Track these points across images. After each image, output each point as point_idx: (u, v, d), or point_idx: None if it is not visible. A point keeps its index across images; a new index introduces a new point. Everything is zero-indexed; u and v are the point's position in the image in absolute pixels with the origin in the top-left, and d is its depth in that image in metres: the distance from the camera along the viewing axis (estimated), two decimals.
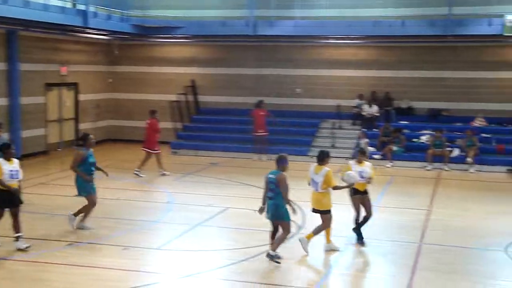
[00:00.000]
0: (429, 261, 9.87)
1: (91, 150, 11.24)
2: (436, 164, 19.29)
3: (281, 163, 9.67)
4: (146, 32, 22.23)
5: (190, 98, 23.97)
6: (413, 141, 20.72)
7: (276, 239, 9.60)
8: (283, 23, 21.24)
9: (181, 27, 21.84)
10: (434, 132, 19.90)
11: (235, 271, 9.25)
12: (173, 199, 13.97)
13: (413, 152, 20.16)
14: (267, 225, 10.80)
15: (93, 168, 11.19)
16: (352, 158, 10.88)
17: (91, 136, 11.36)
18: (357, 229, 10.72)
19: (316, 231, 10.17)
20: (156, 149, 17.43)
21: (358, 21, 20.70)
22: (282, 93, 23.17)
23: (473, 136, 19.49)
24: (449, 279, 9.04)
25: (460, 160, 19.25)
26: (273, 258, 9.41)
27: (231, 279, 9.01)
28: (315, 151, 20.59)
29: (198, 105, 24.09)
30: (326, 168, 9.93)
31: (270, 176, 9.59)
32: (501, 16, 19.13)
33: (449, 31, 19.52)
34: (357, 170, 10.46)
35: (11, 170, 9.72)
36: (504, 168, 18.95)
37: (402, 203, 14.06)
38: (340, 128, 21.86)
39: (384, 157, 19.77)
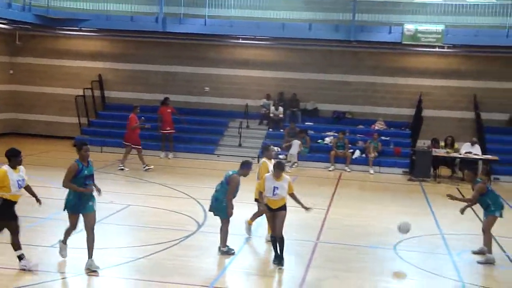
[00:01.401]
0: (323, 259, 10.23)
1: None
2: (338, 165, 19.96)
3: (242, 168, 10.04)
4: (51, 24, 21.52)
5: (97, 93, 23.46)
6: (318, 142, 21.32)
7: (221, 236, 10.01)
8: (193, 21, 21.25)
9: (87, 20, 21.33)
10: (337, 134, 20.57)
11: (133, 269, 9.19)
12: None
13: (318, 153, 20.75)
14: (167, 223, 10.84)
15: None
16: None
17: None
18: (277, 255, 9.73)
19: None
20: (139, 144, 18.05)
21: (267, 23, 21.08)
22: (191, 91, 23.15)
23: (378, 139, 20.35)
24: (341, 276, 9.39)
25: (361, 161, 20.02)
26: (227, 253, 9.86)
27: (128, 277, 8.94)
28: (222, 150, 21.00)
29: (104, 101, 23.62)
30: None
31: (228, 173, 10.08)
32: (401, 24, 20.10)
33: (353, 37, 20.26)
34: (271, 186, 9.55)
35: (18, 180, 8.74)
36: (400, 170, 19.89)
37: (304, 202, 14.38)
38: (248, 127, 22.14)
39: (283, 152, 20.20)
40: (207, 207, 12.65)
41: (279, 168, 9.60)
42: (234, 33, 21.40)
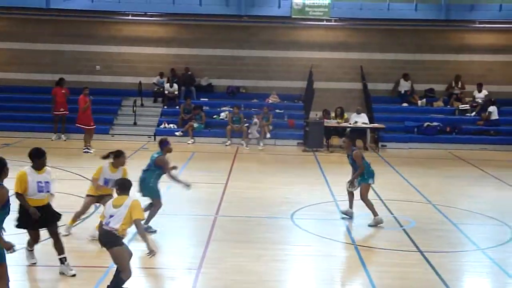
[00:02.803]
0: (222, 232, 10.38)
1: None
2: (235, 140, 20.18)
3: (162, 146, 10.25)
4: None
5: None
6: (213, 118, 21.42)
7: (148, 215, 9.95)
8: None
9: None
10: (232, 109, 20.75)
11: (23, 256, 8.88)
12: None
13: (214, 128, 20.86)
14: (64, 206, 10.52)
15: None
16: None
17: None
18: None
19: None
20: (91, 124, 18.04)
21: None
22: (81, 70, 22.42)
23: (269, 113, 20.70)
24: (241, 247, 9.59)
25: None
26: (147, 230, 9.59)
27: (20, 264, 8.64)
28: (117, 130, 20.59)
29: None
30: None
31: (152, 155, 10.25)
32: None
33: (243, 11, 20.40)
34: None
35: (39, 182, 7.92)
36: (295, 142, 20.45)
37: (201, 178, 14.48)
38: (142, 106, 21.82)
39: (185, 134, 20.18)
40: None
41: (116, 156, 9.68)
42: (123, 10, 20.88)
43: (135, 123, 21.05)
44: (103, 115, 21.16)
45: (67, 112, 19.83)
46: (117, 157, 9.74)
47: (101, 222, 7.50)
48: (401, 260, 9.29)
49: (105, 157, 9.88)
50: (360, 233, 10.73)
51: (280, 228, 10.87)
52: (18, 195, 8.05)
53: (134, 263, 8.46)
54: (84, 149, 17.72)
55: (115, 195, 8.00)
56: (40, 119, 20.63)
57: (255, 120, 19.94)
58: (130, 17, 21.79)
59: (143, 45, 22.60)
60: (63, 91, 19.77)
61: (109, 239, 7.29)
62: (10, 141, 18.75)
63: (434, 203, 12.71)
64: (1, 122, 20.43)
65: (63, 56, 22.47)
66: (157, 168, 10.20)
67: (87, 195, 10.01)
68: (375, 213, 10.95)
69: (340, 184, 14.13)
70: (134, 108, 21.21)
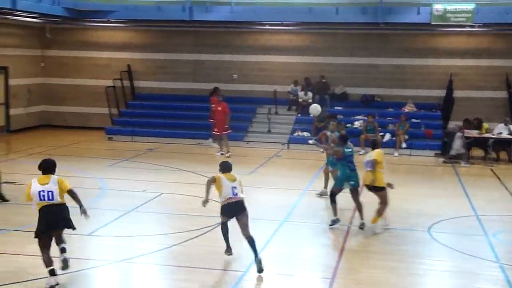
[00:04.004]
0: (356, 243, 10.23)
1: None
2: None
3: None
4: (79, 16, 21.75)
5: (126, 83, 23.69)
6: (347, 127, 21.18)
7: None
8: (219, 8, 21.23)
9: (115, 11, 21.49)
10: (366, 118, 20.43)
11: (168, 256, 9.32)
12: (106, 185, 13.85)
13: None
14: (200, 211, 10.92)
15: None
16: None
17: None
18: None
19: (380, 212, 10.77)
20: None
21: (293, 7, 20.92)
22: (219, 79, 23.22)
23: (406, 122, 20.15)
24: (375, 259, 9.39)
25: (392, 144, 19.86)
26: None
27: (163, 263, 9.07)
28: (251, 137, 21.06)
29: (134, 91, 23.84)
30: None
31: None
32: (429, 5, 19.78)
33: (380, 19, 20.01)
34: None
35: (41, 191, 8.10)
36: (432, 152, 19.69)
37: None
38: (276, 113, 22.15)
39: (319, 142, 20.10)
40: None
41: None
42: (260, 20, 21.33)
43: (269, 131, 21.41)
44: (239, 123, 21.74)
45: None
46: None
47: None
48: None
49: None
50: (505, 250, 10.06)
51: (417, 241, 10.49)
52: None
53: (268, 271, 8.57)
54: (222, 152, 18.47)
55: None
56: (179, 125, 21.62)
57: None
58: (267, 27, 22.23)
59: (278, 54, 22.96)
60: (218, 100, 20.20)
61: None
62: (153, 146, 19.83)
63: None
64: (146, 129, 21.66)
65: (202, 65, 23.43)
66: None
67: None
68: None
69: (482, 198, 13.44)
70: (269, 116, 21.57)
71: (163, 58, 23.71)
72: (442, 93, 21.49)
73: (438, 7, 19.56)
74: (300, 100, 22.09)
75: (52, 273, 7.87)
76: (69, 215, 8.30)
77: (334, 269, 8.88)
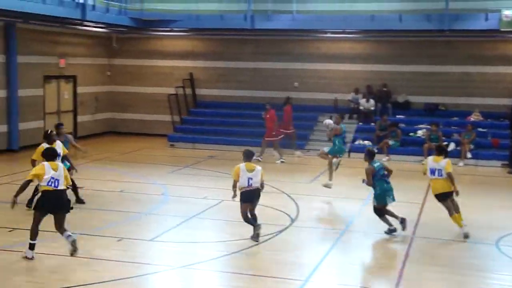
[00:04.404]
0: (420, 254, 9.98)
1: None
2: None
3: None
4: (144, 25, 22.30)
5: (188, 91, 24.05)
6: (410, 135, 20.81)
7: None
8: (281, 17, 21.30)
9: (178, 21, 21.90)
10: (430, 126, 19.99)
11: (228, 263, 9.36)
12: (167, 192, 14.07)
13: (410, 146, 20.26)
14: (260, 218, 10.94)
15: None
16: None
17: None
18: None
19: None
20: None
21: (355, 15, 20.75)
22: (279, 87, 23.25)
23: (472, 131, 19.61)
24: (440, 272, 9.13)
25: (457, 154, 19.33)
26: None
27: (223, 270, 9.12)
28: (312, 145, 20.95)
29: (195, 98, 24.17)
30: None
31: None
32: (498, 11, 19.18)
33: (446, 26, 19.56)
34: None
35: (52, 177, 8.88)
36: (499, 163, 19.04)
37: (396, 197, 14.11)
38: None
39: (380, 151, 19.82)
40: (299, 202, 12.75)
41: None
42: (322, 27, 21.24)
43: (330, 139, 21.19)
44: (300, 131, 21.67)
45: (294, 130, 20.21)
46: None
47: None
48: None
49: None
50: None
51: (484, 255, 10.13)
52: None
53: (329, 280, 8.46)
54: (282, 160, 18.67)
55: None
56: (240, 133, 21.72)
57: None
58: (328, 35, 22.12)
59: (339, 61, 22.79)
60: (289, 109, 20.10)
61: None
62: (214, 154, 20.03)
63: None
64: (207, 136, 21.91)
65: (263, 73, 23.53)
66: None
67: None
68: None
69: None
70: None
71: (224, 66, 23.95)
72: (510, 101, 20.77)
73: (507, 13, 18.94)
74: (361, 108, 21.84)
75: (32, 247, 8.98)
76: (68, 199, 9.26)
77: (397, 280, 8.68)
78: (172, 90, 23.67)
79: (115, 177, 15.66)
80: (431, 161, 11.00)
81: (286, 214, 12.26)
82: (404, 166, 18.90)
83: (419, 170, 18.16)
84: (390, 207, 11.03)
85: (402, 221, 10.85)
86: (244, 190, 10.05)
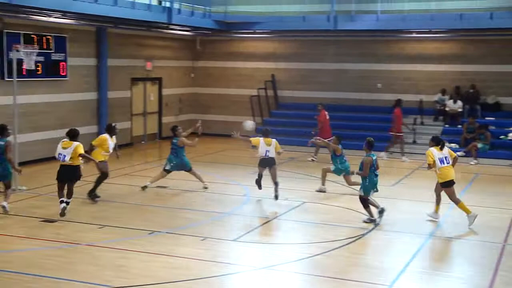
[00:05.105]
0: None
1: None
2: None
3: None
4: (227, 28, 22.61)
5: (270, 92, 24.15)
6: (500, 138, 19.95)
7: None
8: (365, 17, 21.00)
9: (261, 23, 22.04)
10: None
11: (310, 265, 9.29)
12: (249, 192, 14.16)
13: (499, 149, 19.44)
14: (342, 220, 10.81)
15: None
16: None
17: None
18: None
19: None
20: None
21: (443, 14, 20.14)
22: (361, 88, 22.92)
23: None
24: None
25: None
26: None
27: (306, 272, 9.04)
28: (396, 147, 20.48)
29: (277, 100, 24.24)
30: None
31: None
32: None
33: None
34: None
35: (60, 154, 11.59)
36: None
37: (485, 202, 13.59)
38: (422, 124, 21.39)
39: (467, 154, 19.15)
40: (382, 205, 12.46)
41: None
42: (407, 27, 20.74)
43: (414, 141, 20.72)
44: (382, 133, 21.25)
45: (403, 133, 19.83)
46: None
47: None
48: None
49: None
50: None
51: None
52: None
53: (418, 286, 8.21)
54: (313, 158, 18.91)
55: None
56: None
57: None
58: (413, 35, 21.58)
59: (425, 62, 22.17)
60: (399, 112, 19.68)
61: None
62: (295, 155, 19.97)
63: None
64: (288, 137, 21.84)
65: (345, 74, 23.26)
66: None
67: None
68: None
69: None
70: (414, 126, 20.88)
71: (306, 67, 23.87)
72: None
73: None
74: (447, 109, 21.14)
75: (62, 202, 11.61)
76: (76, 172, 11.69)
77: None
78: (254, 92, 23.85)
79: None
80: (436, 151, 11.59)
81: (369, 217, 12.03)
82: (494, 170, 18.14)
83: (509, 174, 17.50)
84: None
85: (381, 211, 11.49)
86: (262, 158, 13.24)
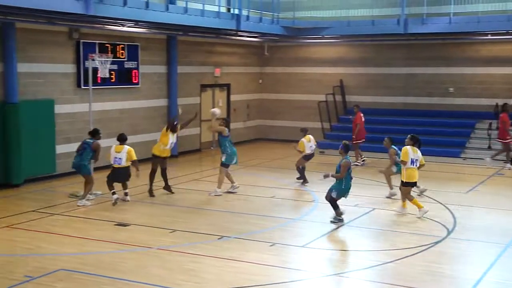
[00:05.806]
0: None
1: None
2: None
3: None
4: (295, 33, 22.59)
5: (338, 98, 23.94)
6: None
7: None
8: (436, 20, 20.48)
9: (329, 28, 21.91)
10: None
11: (381, 273, 9.10)
12: (318, 199, 14.05)
13: None
14: (414, 228, 10.54)
15: None
16: None
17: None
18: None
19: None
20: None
21: None
22: (432, 92, 22.37)
23: None
24: None
25: None
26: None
27: (376, 280, 8.86)
28: (469, 153, 19.87)
29: (345, 105, 23.99)
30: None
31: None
32: None
33: None
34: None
35: (115, 157, 13.11)
36: None
37: None
38: (498, 129, 20.59)
39: None
40: (456, 213, 12.13)
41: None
42: (482, 29, 20.05)
43: (489, 147, 20.01)
44: (455, 138, 20.69)
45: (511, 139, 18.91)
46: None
47: None
48: None
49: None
50: None
51: None
52: None
53: None
54: (356, 163, 18.66)
55: None
56: (393, 140, 21.10)
57: None
58: (488, 37, 20.86)
59: (500, 65, 21.39)
60: (506, 117, 18.86)
61: None
62: (365, 161, 19.65)
63: None
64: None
65: (415, 79, 22.77)
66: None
67: None
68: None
69: None
70: (489, 132, 20.17)
71: (375, 72, 23.53)
72: None
73: None
74: None
75: (114, 193, 13.06)
76: (129, 172, 13.25)
77: None
78: (322, 97, 23.71)
79: (266, 182, 15.98)
80: (411, 151, 12.33)
81: (442, 224, 11.70)
82: None
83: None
84: None
85: (341, 220, 11.87)
86: (307, 154, 15.78)
